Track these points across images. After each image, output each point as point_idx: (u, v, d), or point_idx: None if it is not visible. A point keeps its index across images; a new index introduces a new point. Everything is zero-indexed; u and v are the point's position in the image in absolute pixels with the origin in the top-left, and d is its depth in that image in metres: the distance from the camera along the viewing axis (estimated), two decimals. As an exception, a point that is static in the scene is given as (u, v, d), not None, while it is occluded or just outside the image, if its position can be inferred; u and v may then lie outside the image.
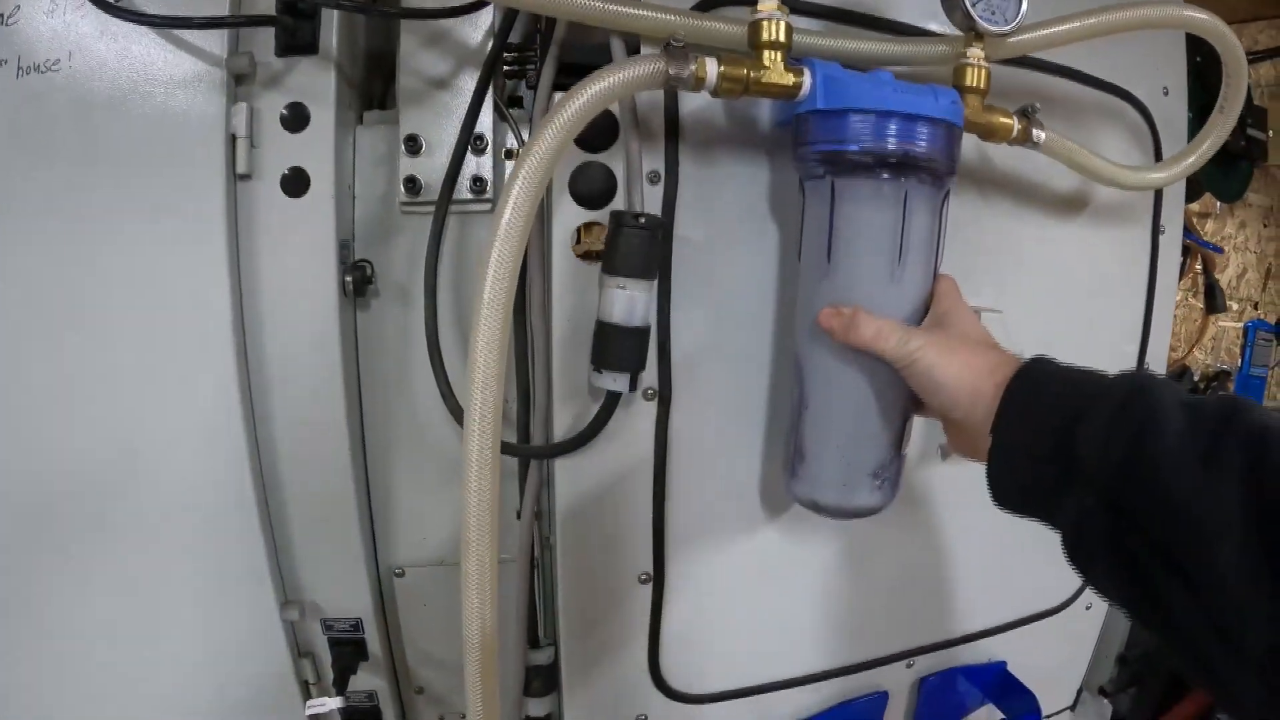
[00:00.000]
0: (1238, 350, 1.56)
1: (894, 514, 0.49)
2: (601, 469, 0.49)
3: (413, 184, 0.51)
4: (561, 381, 0.48)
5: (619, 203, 0.47)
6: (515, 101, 0.54)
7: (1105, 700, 0.81)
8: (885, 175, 0.42)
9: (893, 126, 0.41)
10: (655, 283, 0.46)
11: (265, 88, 0.49)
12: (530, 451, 0.49)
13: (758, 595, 0.56)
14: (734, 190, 0.49)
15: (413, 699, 0.60)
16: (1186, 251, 0.77)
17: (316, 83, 0.49)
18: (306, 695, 0.56)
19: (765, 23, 0.41)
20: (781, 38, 0.41)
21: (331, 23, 0.49)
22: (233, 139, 0.48)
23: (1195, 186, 0.82)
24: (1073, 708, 0.76)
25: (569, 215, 0.46)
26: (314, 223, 0.49)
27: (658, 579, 0.52)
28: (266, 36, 0.49)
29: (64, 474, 0.49)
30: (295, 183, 0.49)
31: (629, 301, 0.44)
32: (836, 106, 0.41)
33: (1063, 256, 0.60)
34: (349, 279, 0.50)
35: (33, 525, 0.50)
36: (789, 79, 0.41)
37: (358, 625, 0.55)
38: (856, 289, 0.42)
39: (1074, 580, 0.68)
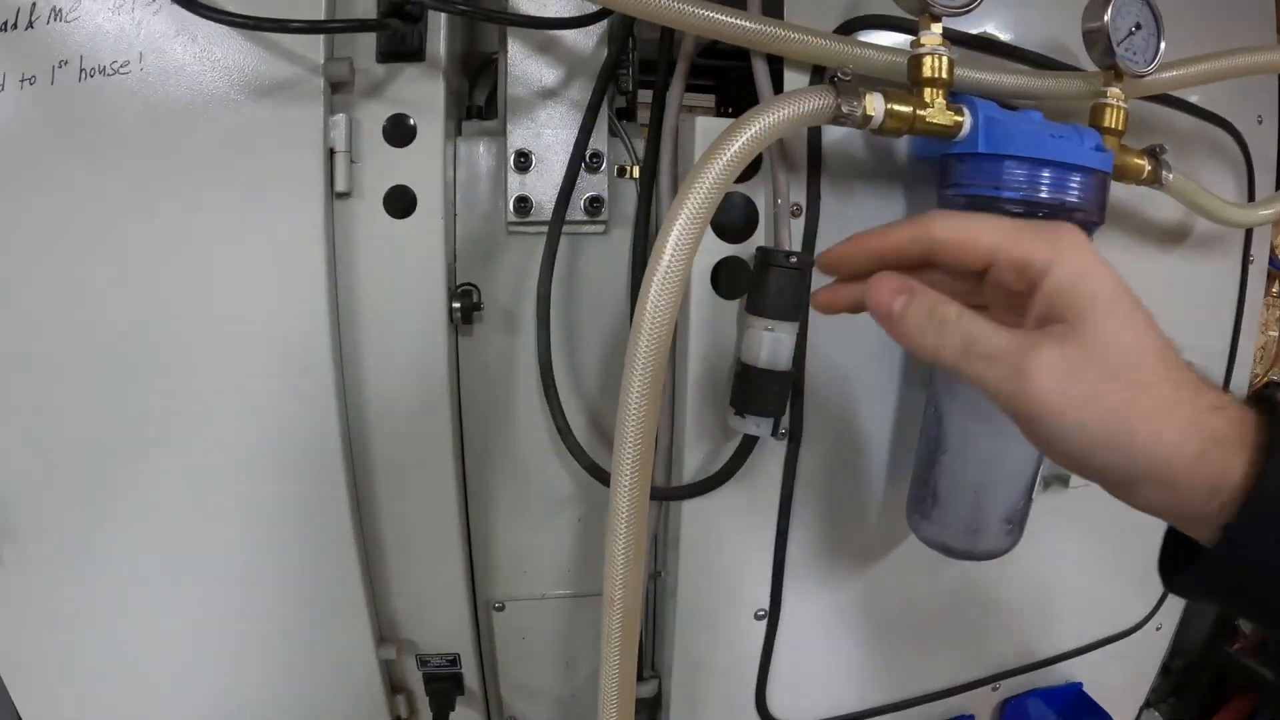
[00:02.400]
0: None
1: None
2: (728, 507, 0.47)
3: (524, 204, 0.47)
4: (694, 424, 0.45)
5: (760, 236, 0.44)
6: (621, 114, 0.51)
7: (1159, 715, 0.83)
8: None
9: (1048, 175, 0.39)
10: (798, 325, 0.43)
11: (366, 98, 0.44)
12: (665, 494, 0.47)
13: (863, 628, 0.55)
14: (869, 224, 0.46)
15: (505, 729, 0.58)
16: (1271, 279, 0.77)
17: (422, 93, 0.45)
18: None
19: (929, 58, 0.38)
20: (945, 74, 0.38)
21: (439, 28, 0.44)
22: (330, 153, 0.44)
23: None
24: None
25: (709, 248, 0.44)
26: (421, 246, 0.45)
27: (773, 616, 0.51)
28: (366, 42, 0.44)
29: (153, 516, 0.46)
30: (399, 202, 0.45)
31: (775, 344, 0.42)
32: (997, 152, 0.39)
33: (1160, 286, 0.59)
34: (457, 305, 0.47)
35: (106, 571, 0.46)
36: (950, 118, 0.39)
37: (455, 660, 0.53)
38: (963, 410, 0.41)
39: (1147, 602, 0.69)
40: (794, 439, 0.47)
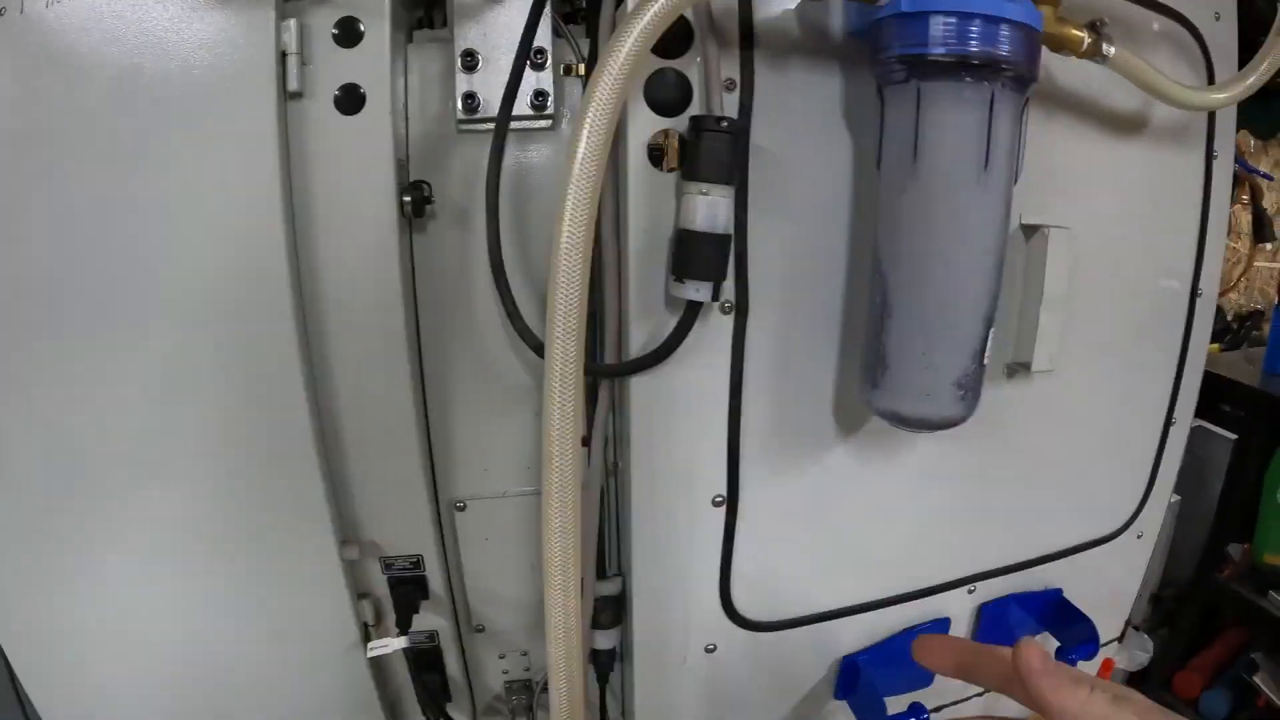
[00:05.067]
0: (1273, 290, 1.58)
1: (958, 435, 0.48)
2: (677, 387, 0.48)
3: (471, 100, 0.49)
4: (637, 297, 0.46)
5: (696, 110, 0.45)
6: (569, 17, 0.53)
7: (1147, 636, 0.81)
8: (969, 79, 0.41)
9: (975, 28, 0.40)
10: (734, 190, 0.45)
11: (315, 3, 0.47)
12: (608, 370, 0.48)
13: (827, 520, 0.55)
14: (807, 99, 0.47)
15: (473, 638, 0.58)
16: (1236, 181, 0.77)
17: (368, -3, 0.47)
18: (367, 637, 0.54)
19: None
20: (867, -62, 0.40)
21: (384, -68, 0.47)
22: (283, 56, 0.46)
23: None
24: (1120, 639, 0.76)
25: (644, 123, 0.45)
26: (370, 141, 0.47)
27: (731, 501, 0.51)
28: (315, -53, 0.47)
29: (103, 432, 0.47)
30: (349, 100, 0.47)
31: (711, 207, 0.43)
32: (920, 9, 0.41)
33: (1122, 177, 0.60)
34: (408, 199, 0.48)
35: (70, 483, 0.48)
36: (870, -23, 0.40)
37: (419, 562, 0.53)
38: (944, 193, 0.42)
39: (1127, 506, 0.69)
40: (740, 312, 0.48)
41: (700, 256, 0.43)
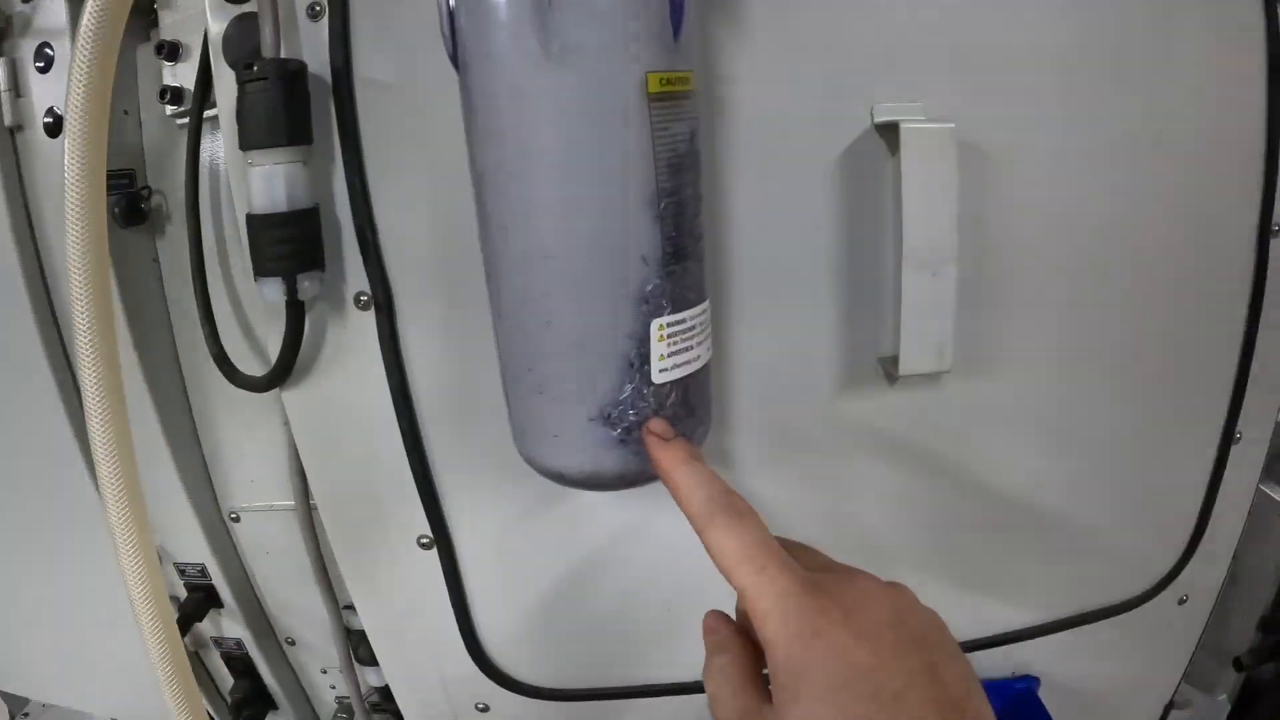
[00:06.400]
0: None
1: (824, 464, 0.36)
2: (332, 402, 0.39)
3: (170, 94, 0.46)
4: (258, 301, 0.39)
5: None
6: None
7: (1222, 698, 0.52)
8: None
9: None
10: (308, 148, 0.34)
11: (22, 37, 0.47)
12: (245, 382, 0.41)
13: (609, 568, 0.41)
14: (421, 19, 0.34)
15: (286, 650, 0.56)
16: None
17: (56, 18, 0.46)
18: None
19: None
20: None
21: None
22: (-1, 95, 0.47)
23: None
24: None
25: (232, 90, 0.37)
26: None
27: (443, 543, 0.41)
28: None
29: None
30: (56, 124, 0.47)
31: (266, 180, 0.34)
32: None
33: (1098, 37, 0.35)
34: (116, 209, 0.47)
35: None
36: None
37: (204, 571, 0.52)
38: (494, 89, 0.26)
39: (1161, 559, 0.41)
40: (382, 309, 0.37)
41: (263, 245, 0.34)
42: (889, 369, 0.38)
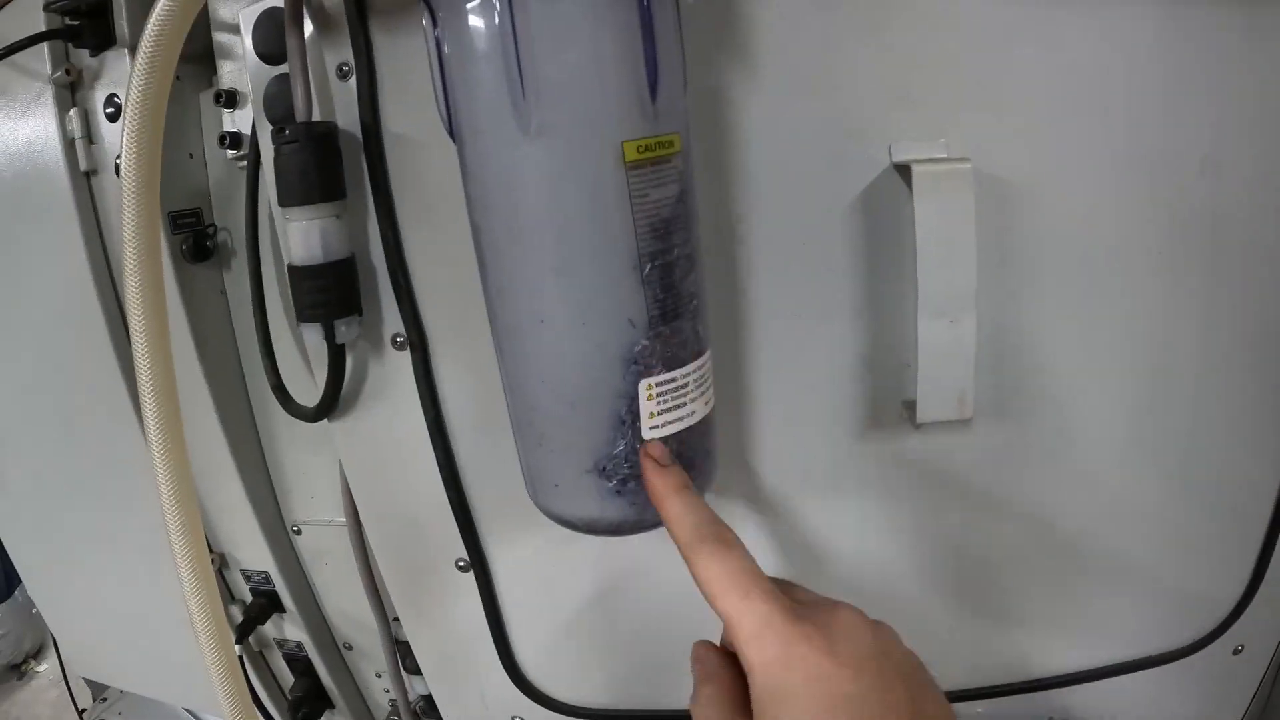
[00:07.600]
0: None
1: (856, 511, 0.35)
2: (378, 434, 0.42)
3: (229, 140, 0.48)
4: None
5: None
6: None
7: None
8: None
9: None
10: (342, 202, 0.36)
11: (92, 89, 0.51)
12: (298, 412, 0.43)
13: (638, 593, 0.43)
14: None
15: (344, 654, 0.60)
16: None
17: (122, 70, 0.49)
18: (239, 639, 0.59)
19: None
20: None
21: (122, 9, 0.48)
22: (72, 142, 0.51)
23: None
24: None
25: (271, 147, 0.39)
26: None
27: (480, 566, 0.43)
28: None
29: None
30: (125, 168, 0.51)
31: (303, 234, 0.36)
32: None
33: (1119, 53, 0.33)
34: (184, 246, 0.50)
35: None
36: None
37: (268, 578, 0.56)
38: (483, 162, 0.28)
39: (1213, 608, 0.39)
40: (417, 349, 0.39)
41: (302, 294, 0.36)
42: (910, 414, 0.37)
